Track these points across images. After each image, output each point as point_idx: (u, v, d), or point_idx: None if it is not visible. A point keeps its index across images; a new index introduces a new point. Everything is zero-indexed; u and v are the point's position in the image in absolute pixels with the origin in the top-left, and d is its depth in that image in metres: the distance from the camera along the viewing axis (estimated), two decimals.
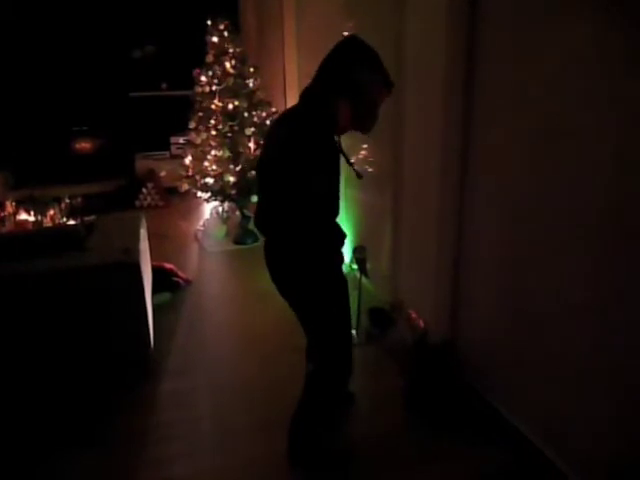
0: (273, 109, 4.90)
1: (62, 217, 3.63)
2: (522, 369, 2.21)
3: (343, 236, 1.86)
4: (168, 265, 3.98)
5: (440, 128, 2.49)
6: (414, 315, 2.85)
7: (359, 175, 1.98)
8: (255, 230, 4.91)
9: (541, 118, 1.96)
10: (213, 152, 4.68)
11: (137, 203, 6.34)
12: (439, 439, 2.32)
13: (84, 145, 6.95)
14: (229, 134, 4.67)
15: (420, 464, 2.19)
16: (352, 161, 1.96)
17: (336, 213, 1.81)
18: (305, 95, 1.81)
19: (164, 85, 7.05)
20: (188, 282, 4.05)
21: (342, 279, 1.93)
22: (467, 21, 2.29)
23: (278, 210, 1.81)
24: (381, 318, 3.19)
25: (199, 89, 4.78)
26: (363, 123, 1.84)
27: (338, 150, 1.80)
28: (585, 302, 1.83)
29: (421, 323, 2.78)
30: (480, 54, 2.28)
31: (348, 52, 1.74)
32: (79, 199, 4.71)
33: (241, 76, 4.75)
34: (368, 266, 3.29)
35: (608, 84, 1.65)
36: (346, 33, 3.58)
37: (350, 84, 1.73)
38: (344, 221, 3.64)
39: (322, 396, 2.08)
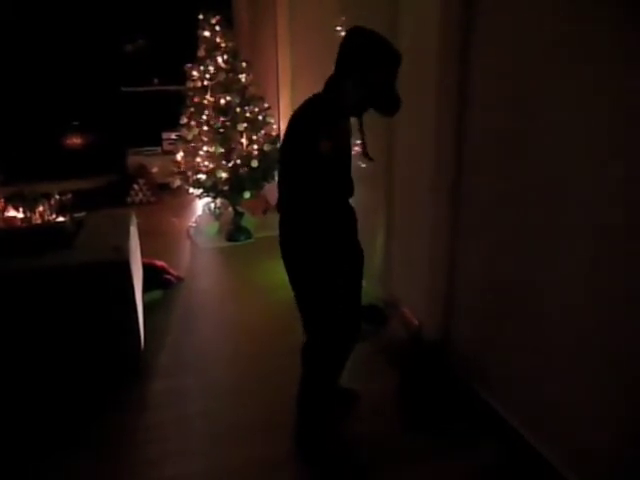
0: (266, 104, 4.86)
1: (51, 214, 3.57)
2: (518, 366, 2.20)
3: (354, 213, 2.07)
4: (159, 262, 3.94)
5: (433, 124, 2.47)
6: (408, 312, 2.84)
7: (370, 158, 2.07)
8: (248, 227, 4.90)
9: (540, 112, 1.94)
10: (205, 148, 4.63)
11: (128, 199, 6.27)
12: (434, 437, 2.31)
13: (74, 140, 6.86)
14: (221, 130, 4.63)
15: (415, 462, 2.18)
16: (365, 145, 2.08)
17: (349, 192, 1.99)
18: (326, 83, 1.95)
19: (156, 80, 6.99)
20: (179, 280, 4.01)
21: (351, 246, 2.09)
22: (461, 19, 2.26)
23: (291, 189, 1.95)
24: (375, 315, 3.17)
25: (191, 84, 4.72)
26: (381, 104, 1.91)
27: (348, 132, 1.95)
28: (582, 299, 1.81)
29: (415, 320, 2.77)
30: (473, 53, 2.26)
31: (353, 42, 1.86)
32: (69, 195, 4.63)
33: (233, 71, 4.70)
34: None
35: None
36: (339, 28, 3.56)
37: (360, 71, 1.84)
38: None
39: (321, 371, 2.13)
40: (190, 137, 4.69)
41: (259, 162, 4.59)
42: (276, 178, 2.09)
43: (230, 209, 4.95)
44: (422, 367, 2.56)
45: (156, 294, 3.72)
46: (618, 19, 1.57)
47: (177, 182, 4.84)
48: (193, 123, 4.68)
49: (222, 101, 4.62)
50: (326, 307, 2.01)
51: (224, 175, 4.55)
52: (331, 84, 1.91)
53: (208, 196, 4.83)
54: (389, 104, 1.90)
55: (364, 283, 2.25)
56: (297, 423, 2.20)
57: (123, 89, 6.75)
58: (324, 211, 1.94)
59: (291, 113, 1.98)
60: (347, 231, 2.01)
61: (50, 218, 3.14)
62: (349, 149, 1.93)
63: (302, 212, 1.94)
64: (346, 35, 1.90)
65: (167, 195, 6.15)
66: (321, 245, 1.95)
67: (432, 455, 2.21)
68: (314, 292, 2.01)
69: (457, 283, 2.58)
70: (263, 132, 4.74)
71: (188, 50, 4.81)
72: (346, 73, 1.86)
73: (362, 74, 1.83)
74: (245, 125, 4.61)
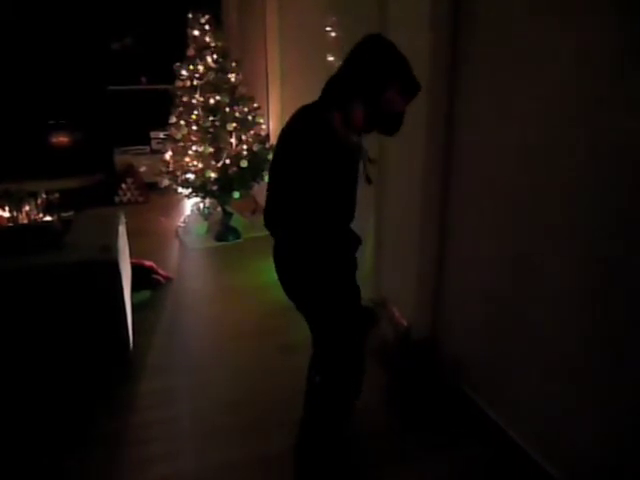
0: (255, 104, 4.85)
1: (38, 213, 3.54)
2: (505, 367, 2.22)
3: (357, 241, 1.82)
4: (148, 262, 3.93)
5: (424, 125, 2.48)
6: (397, 313, 2.85)
7: (369, 180, 1.83)
8: (237, 227, 4.89)
9: (533, 102, 1.96)
10: (194, 147, 4.61)
11: (116, 199, 6.24)
12: (421, 437, 2.33)
13: (61, 139, 6.79)
14: (210, 129, 4.61)
15: (403, 462, 2.19)
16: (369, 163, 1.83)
17: (350, 218, 1.75)
18: (325, 91, 1.73)
19: (143, 79, 6.94)
20: (168, 279, 4.00)
21: (354, 285, 1.88)
22: (450, 16, 2.27)
23: (288, 211, 1.73)
24: (365, 316, 3.18)
25: (180, 83, 4.71)
26: (382, 127, 1.76)
27: (354, 151, 1.71)
28: (570, 300, 1.84)
29: (404, 320, 2.78)
30: (463, 46, 2.28)
31: (371, 53, 1.65)
32: (56, 194, 4.59)
33: (223, 71, 4.69)
34: None
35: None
36: (329, 28, 3.57)
37: (369, 89, 1.65)
38: None
39: (330, 409, 1.98)
40: (179, 136, 4.67)
41: (248, 162, 4.58)
42: (265, 180, 1.90)
43: (219, 209, 4.94)
44: (410, 367, 2.57)
45: (145, 294, 3.71)
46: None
47: (165, 182, 4.81)
48: (182, 122, 4.66)
49: (211, 101, 4.61)
50: (344, 334, 1.87)
51: (213, 175, 4.54)
52: (337, 97, 1.68)
53: (197, 196, 4.81)
54: (392, 126, 1.75)
55: None
56: (302, 441, 2.08)
57: (111, 88, 6.69)
58: (332, 234, 1.74)
59: (287, 119, 1.78)
60: (352, 253, 1.83)
61: (37, 217, 3.12)
62: (356, 169, 1.75)
63: (311, 236, 1.71)
64: (363, 44, 1.67)
65: (155, 195, 6.11)
66: (334, 266, 1.78)
67: (419, 455, 2.22)
68: (333, 310, 1.83)
69: (446, 283, 2.61)
70: (252, 132, 4.74)
71: (177, 49, 4.79)
72: (358, 89, 1.65)
73: (377, 95, 1.65)
74: (234, 125, 4.61)
